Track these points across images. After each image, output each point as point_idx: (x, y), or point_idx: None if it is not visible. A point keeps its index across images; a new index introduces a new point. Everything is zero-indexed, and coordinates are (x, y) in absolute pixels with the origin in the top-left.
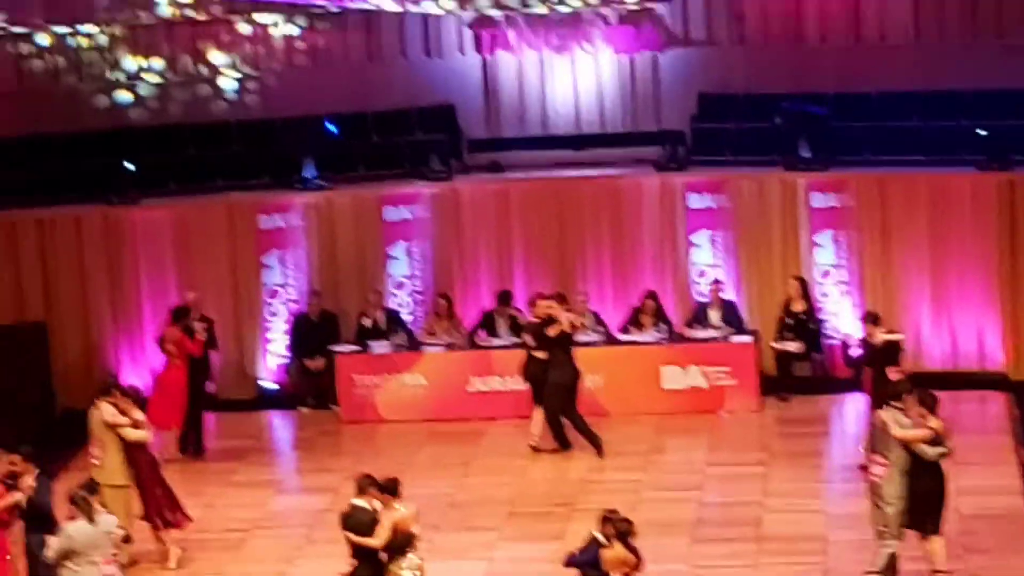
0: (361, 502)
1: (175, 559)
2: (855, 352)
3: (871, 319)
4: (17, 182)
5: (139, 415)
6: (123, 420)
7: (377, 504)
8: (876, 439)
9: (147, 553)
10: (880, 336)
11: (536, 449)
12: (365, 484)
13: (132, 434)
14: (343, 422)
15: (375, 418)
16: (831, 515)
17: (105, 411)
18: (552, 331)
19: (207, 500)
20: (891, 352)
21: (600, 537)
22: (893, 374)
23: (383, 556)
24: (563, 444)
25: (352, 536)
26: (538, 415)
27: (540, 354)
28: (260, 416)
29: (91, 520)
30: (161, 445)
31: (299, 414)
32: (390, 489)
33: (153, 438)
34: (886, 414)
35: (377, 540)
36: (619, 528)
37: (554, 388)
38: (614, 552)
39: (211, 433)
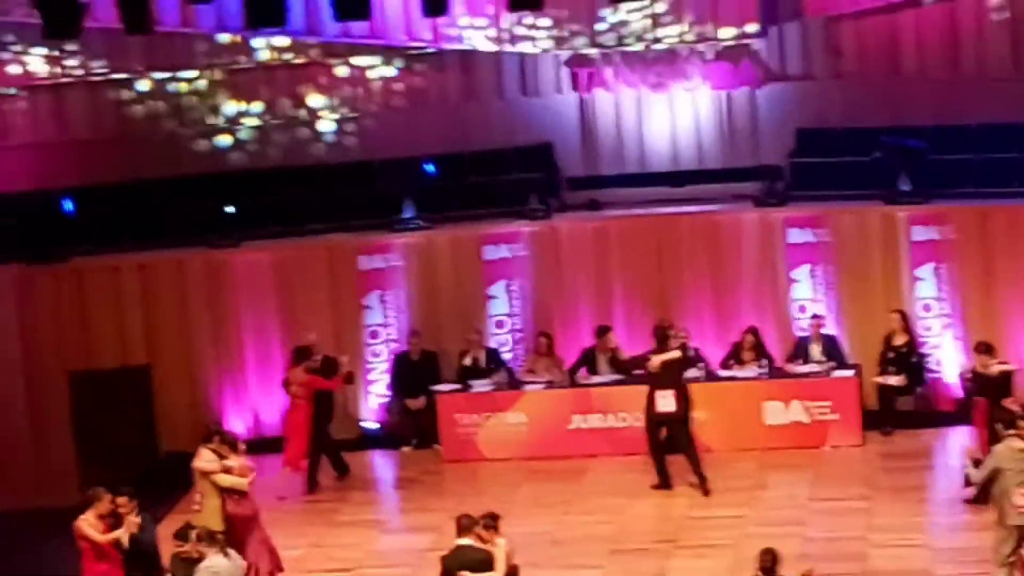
0: (467, 541)
1: None
2: (965, 384)
3: (985, 349)
4: (119, 226)
5: (234, 462)
6: (215, 467)
7: (483, 541)
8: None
9: None
10: (995, 367)
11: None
12: (468, 523)
13: (224, 480)
14: (445, 461)
15: (477, 457)
16: (936, 549)
17: (202, 457)
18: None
19: (312, 540)
20: (1006, 383)
21: None
22: (1010, 404)
23: None
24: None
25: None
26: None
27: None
28: (363, 456)
29: (225, 555)
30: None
31: (401, 454)
32: (494, 525)
33: (249, 485)
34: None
35: (499, 574)
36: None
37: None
38: None
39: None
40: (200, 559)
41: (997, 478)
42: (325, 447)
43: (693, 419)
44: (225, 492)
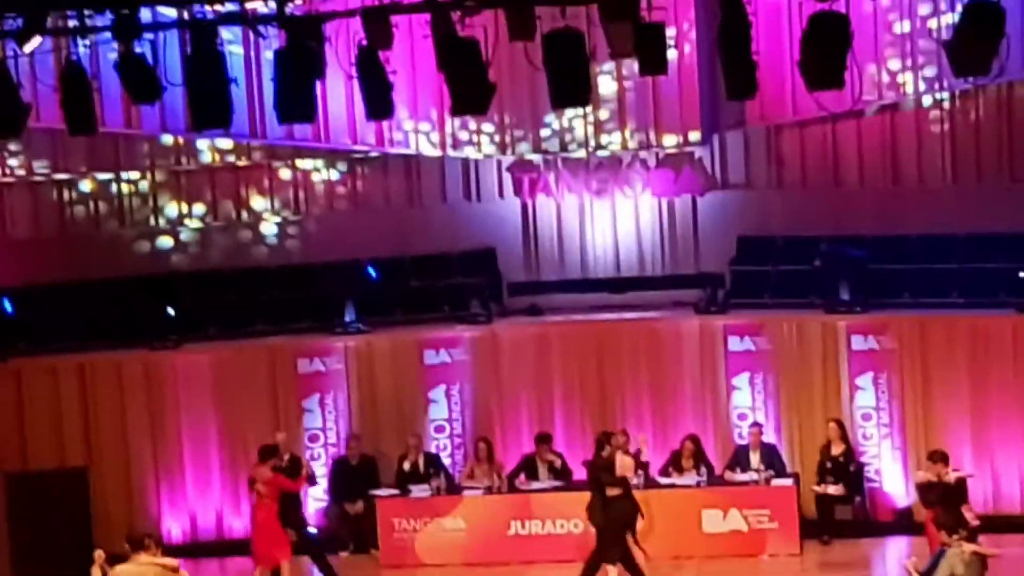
0: None
1: None
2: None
3: (940, 457)
4: (59, 327)
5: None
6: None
7: None
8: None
9: None
10: (952, 474)
11: None
12: None
13: None
14: (382, 566)
15: (415, 562)
16: None
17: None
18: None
19: None
20: (962, 490)
21: None
22: (967, 512)
23: None
24: None
25: None
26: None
27: (615, 491)
28: (300, 561)
29: None
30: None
31: (339, 559)
32: None
33: None
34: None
35: None
36: None
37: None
38: None
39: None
40: None
41: None
42: (311, 551)
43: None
44: None
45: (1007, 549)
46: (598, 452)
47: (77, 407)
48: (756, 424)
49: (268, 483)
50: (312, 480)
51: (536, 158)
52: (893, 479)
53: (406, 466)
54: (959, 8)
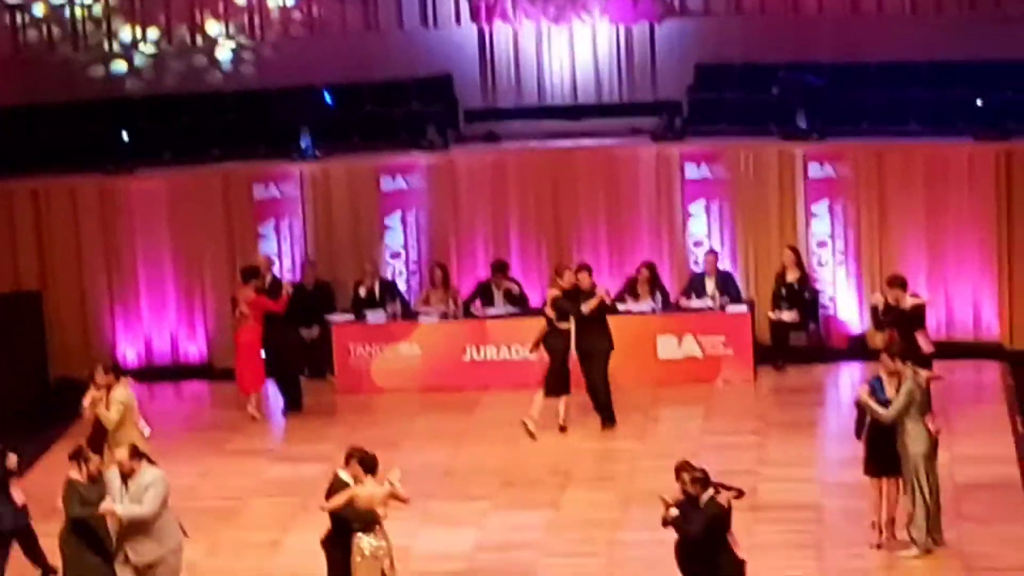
0: (344, 473)
1: None
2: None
3: (899, 283)
4: (12, 151)
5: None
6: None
7: (351, 476)
8: (923, 401)
9: None
10: (909, 300)
11: (531, 433)
12: (350, 455)
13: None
14: (338, 391)
15: (370, 388)
16: (825, 484)
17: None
18: (589, 306)
19: (203, 468)
20: (919, 316)
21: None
22: (922, 339)
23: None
24: (611, 419)
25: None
26: (539, 397)
27: (564, 325)
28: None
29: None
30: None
31: None
32: (366, 464)
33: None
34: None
35: (327, 503)
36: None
37: (601, 359)
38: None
39: (204, 400)
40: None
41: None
42: (290, 375)
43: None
44: None
45: (959, 375)
46: (553, 283)
47: (31, 231)
48: (712, 251)
49: (251, 304)
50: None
51: None
52: (847, 306)
53: (362, 292)
54: None
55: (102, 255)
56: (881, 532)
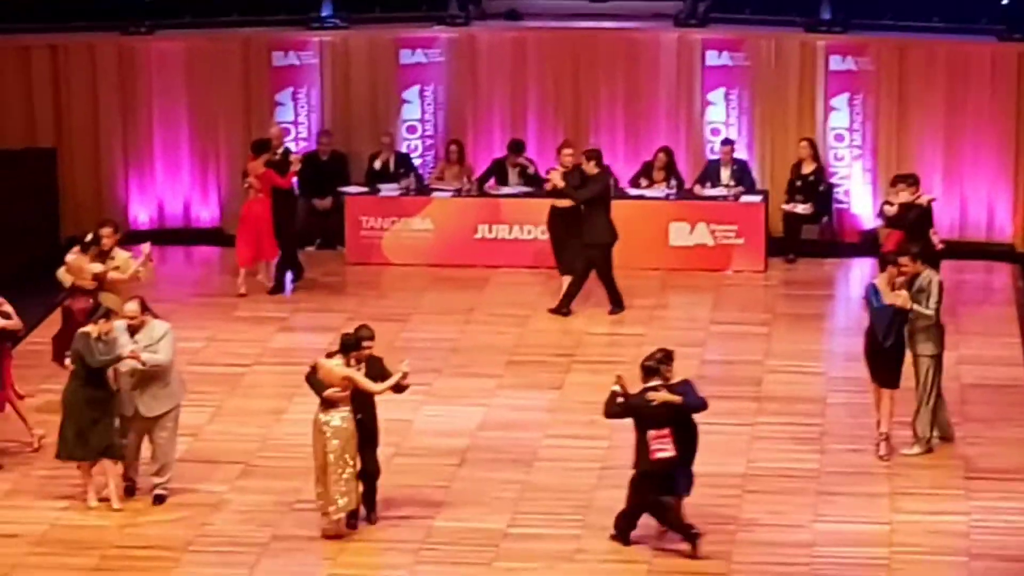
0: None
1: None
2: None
3: (912, 180)
4: (32, 5)
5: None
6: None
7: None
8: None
9: None
10: (924, 197)
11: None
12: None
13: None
14: (348, 263)
15: (380, 261)
16: (831, 378)
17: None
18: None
19: (209, 334)
20: (929, 215)
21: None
22: (933, 236)
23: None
24: (618, 304)
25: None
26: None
27: (563, 204)
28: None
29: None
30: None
31: (305, 253)
32: (344, 343)
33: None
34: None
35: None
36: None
37: (602, 251)
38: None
39: (215, 266)
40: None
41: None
42: (291, 253)
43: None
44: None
45: (970, 276)
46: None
47: (48, 87)
48: (728, 141)
49: (260, 177)
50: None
51: None
52: (862, 201)
53: (376, 164)
54: None
55: (118, 115)
56: (887, 439)
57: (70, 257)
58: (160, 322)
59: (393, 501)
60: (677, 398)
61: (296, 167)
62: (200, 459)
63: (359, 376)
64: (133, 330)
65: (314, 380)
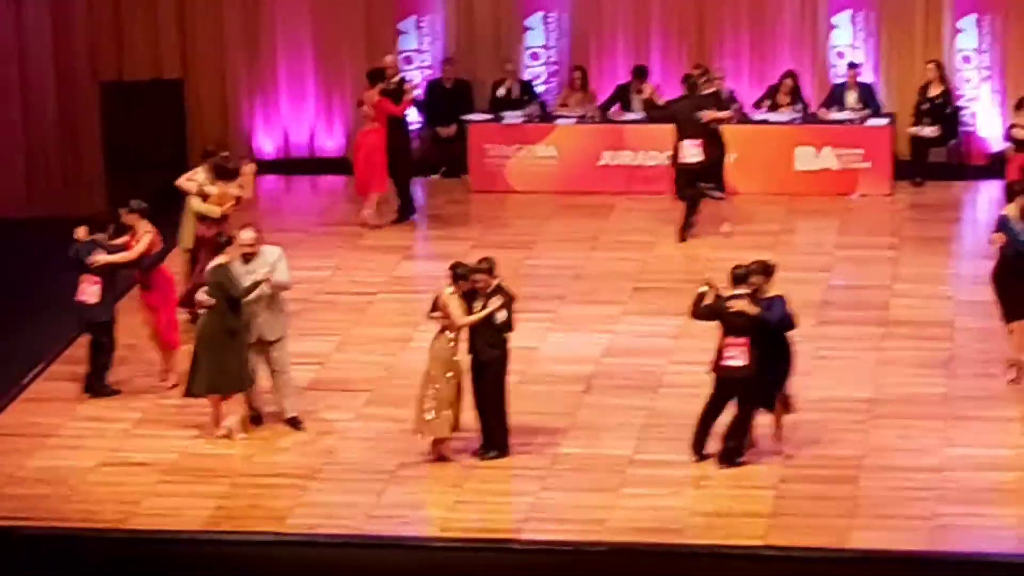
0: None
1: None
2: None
3: None
4: None
5: (214, 189)
6: (191, 188)
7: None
8: None
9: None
10: None
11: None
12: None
13: (196, 205)
14: (472, 191)
15: (505, 188)
16: (959, 302)
17: (188, 176)
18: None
19: (335, 263)
20: None
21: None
22: None
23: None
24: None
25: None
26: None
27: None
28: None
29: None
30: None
31: (429, 181)
32: (455, 273)
33: (219, 216)
34: None
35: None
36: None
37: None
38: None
39: (339, 195)
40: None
41: None
42: (405, 183)
43: (725, 164)
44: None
45: None
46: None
47: (173, 19)
48: (853, 65)
49: (375, 106)
50: (416, 103)
51: None
52: (990, 123)
53: (500, 92)
54: None
55: (243, 45)
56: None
57: (210, 188)
58: (271, 247)
59: (519, 428)
60: (754, 309)
61: (411, 96)
62: (327, 387)
63: (455, 307)
64: (248, 257)
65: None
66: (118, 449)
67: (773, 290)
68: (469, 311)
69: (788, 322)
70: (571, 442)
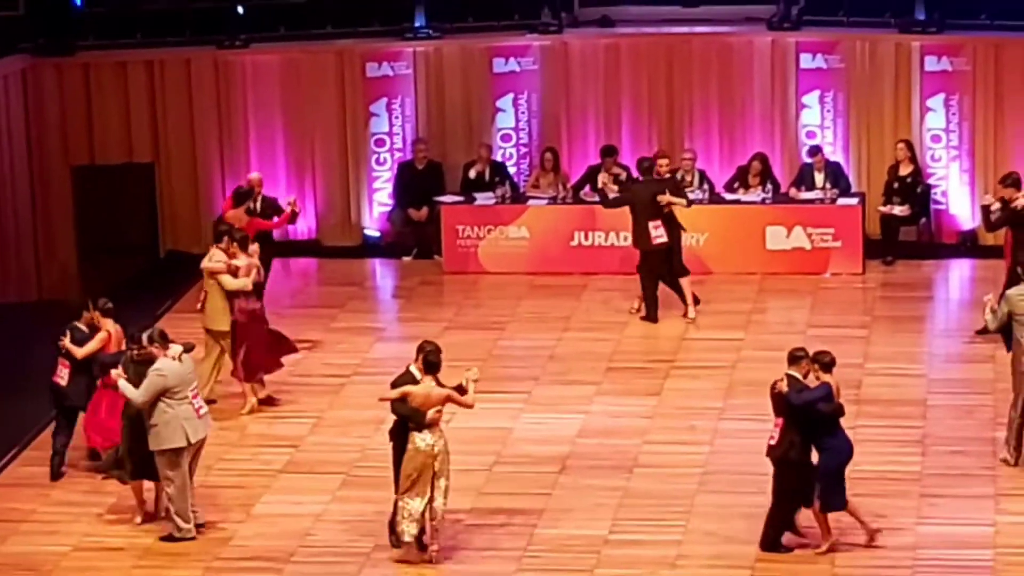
0: (415, 368)
1: (249, 407)
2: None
3: (1012, 182)
4: (128, 21)
5: (242, 262)
6: (221, 267)
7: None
8: None
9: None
10: (1021, 200)
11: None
12: (420, 350)
13: (230, 283)
14: (445, 272)
15: (477, 269)
16: (931, 380)
17: (212, 257)
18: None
19: (308, 345)
20: None
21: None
22: None
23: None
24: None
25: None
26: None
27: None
28: (363, 264)
29: (176, 358)
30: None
31: (401, 263)
32: (428, 364)
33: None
34: None
35: (388, 394)
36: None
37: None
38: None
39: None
40: (152, 360)
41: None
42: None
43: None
44: (231, 293)
45: None
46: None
47: (145, 102)
48: (815, 150)
49: (245, 228)
50: (294, 219)
51: None
52: (959, 201)
53: (472, 174)
54: None
55: (215, 128)
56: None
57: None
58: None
59: (495, 509)
60: (785, 388)
61: (290, 209)
62: (301, 470)
63: (457, 395)
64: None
65: (407, 409)
66: (92, 534)
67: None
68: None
69: (806, 404)
70: (546, 523)
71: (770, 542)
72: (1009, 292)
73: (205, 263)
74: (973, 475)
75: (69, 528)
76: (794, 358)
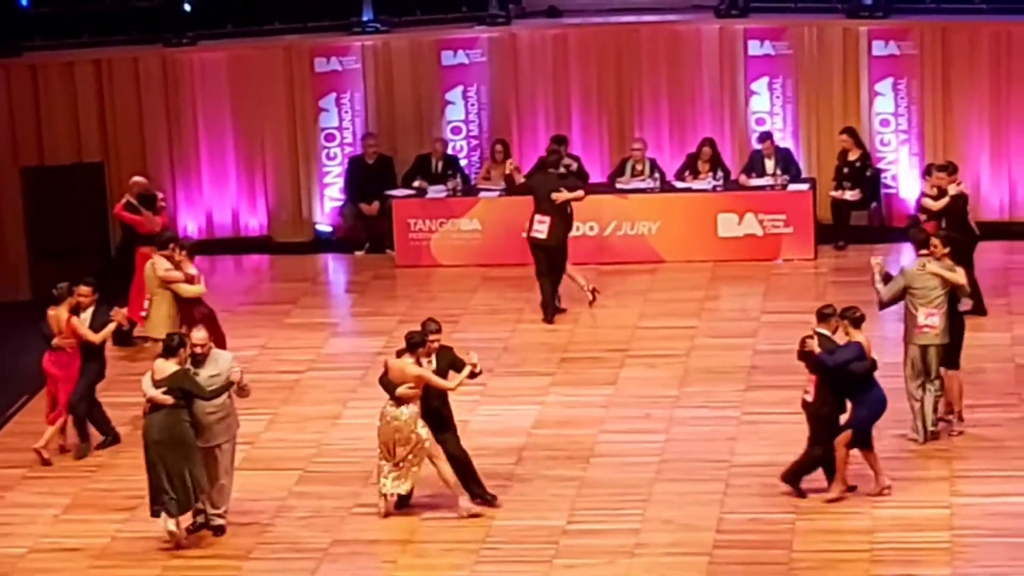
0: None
1: None
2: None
3: (951, 169)
4: (74, 20)
5: (193, 270)
6: (176, 275)
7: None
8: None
9: None
10: (955, 188)
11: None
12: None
13: (186, 290)
14: (397, 266)
15: (429, 262)
16: (884, 363)
17: (160, 266)
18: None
19: (262, 341)
20: (963, 205)
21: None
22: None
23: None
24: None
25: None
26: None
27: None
28: (315, 259)
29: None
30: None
31: (353, 258)
32: (410, 341)
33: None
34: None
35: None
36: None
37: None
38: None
39: (264, 274)
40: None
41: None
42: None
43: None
44: (181, 300)
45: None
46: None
47: (94, 102)
48: (766, 136)
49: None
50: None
51: None
52: (909, 185)
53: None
54: None
55: (164, 127)
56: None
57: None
58: (222, 351)
59: (452, 502)
60: (816, 348)
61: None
62: (258, 467)
63: (432, 375)
64: (198, 360)
65: (385, 381)
66: (48, 535)
67: (859, 337)
68: None
69: (834, 363)
70: (504, 514)
71: (791, 476)
72: (907, 267)
73: (158, 272)
74: (928, 457)
75: (25, 530)
76: (823, 316)
